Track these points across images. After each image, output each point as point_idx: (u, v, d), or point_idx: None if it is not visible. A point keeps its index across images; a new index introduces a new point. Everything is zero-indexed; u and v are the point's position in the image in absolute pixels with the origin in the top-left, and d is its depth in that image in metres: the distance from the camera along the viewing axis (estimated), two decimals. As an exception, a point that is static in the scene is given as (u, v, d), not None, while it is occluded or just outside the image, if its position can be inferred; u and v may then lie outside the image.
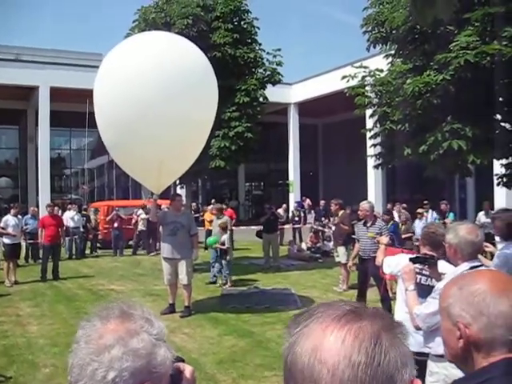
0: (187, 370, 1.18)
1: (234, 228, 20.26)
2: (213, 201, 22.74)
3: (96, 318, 1.10)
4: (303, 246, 18.34)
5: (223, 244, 12.68)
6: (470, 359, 1.58)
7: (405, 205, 18.04)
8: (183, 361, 1.22)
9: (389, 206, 17.77)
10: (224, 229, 12.86)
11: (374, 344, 0.88)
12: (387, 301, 8.81)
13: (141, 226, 19.71)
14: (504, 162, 11.95)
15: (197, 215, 19.03)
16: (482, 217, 14.61)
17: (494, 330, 1.53)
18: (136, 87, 8.09)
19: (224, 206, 20.75)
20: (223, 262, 12.62)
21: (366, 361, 0.86)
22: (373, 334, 0.89)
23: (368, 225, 9.37)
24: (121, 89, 8.20)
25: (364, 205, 9.58)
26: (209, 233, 16.57)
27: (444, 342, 1.67)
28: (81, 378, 1.02)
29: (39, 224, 14.72)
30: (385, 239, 6.15)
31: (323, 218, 20.77)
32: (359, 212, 9.62)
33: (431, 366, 3.73)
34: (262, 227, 15.68)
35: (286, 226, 21.51)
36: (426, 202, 16.69)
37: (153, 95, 8.07)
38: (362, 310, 0.95)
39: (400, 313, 4.20)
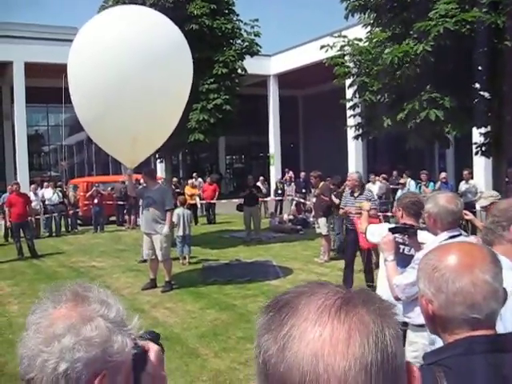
0: (152, 350, 1.08)
1: (215, 201, 20.43)
2: (194, 174, 22.69)
3: (47, 301, 1.03)
4: (285, 217, 18.31)
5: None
6: (440, 333, 1.57)
7: (384, 175, 18.10)
8: (158, 336, 1.13)
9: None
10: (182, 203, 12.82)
11: (380, 337, 0.77)
12: (370, 271, 8.89)
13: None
14: (483, 130, 11.95)
15: (178, 190, 18.87)
16: (463, 186, 14.67)
17: (454, 307, 1.50)
18: (109, 60, 8.00)
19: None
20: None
21: (377, 358, 0.75)
22: (374, 323, 0.78)
23: (355, 195, 9.32)
24: (94, 63, 8.06)
25: (353, 175, 9.58)
26: (189, 207, 16.48)
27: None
28: (30, 370, 0.96)
29: (6, 203, 14.35)
30: (367, 205, 6.08)
31: (303, 190, 20.77)
32: (347, 182, 9.58)
33: (411, 335, 3.74)
34: (242, 200, 15.62)
35: (267, 199, 21.50)
36: (405, 172, 16.74)
37: (126, 68, 7.98)
38: (349, 295, 0.82)
39: (383, 283, 4.17)
